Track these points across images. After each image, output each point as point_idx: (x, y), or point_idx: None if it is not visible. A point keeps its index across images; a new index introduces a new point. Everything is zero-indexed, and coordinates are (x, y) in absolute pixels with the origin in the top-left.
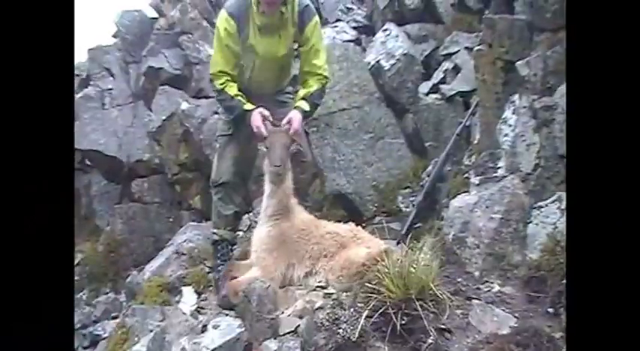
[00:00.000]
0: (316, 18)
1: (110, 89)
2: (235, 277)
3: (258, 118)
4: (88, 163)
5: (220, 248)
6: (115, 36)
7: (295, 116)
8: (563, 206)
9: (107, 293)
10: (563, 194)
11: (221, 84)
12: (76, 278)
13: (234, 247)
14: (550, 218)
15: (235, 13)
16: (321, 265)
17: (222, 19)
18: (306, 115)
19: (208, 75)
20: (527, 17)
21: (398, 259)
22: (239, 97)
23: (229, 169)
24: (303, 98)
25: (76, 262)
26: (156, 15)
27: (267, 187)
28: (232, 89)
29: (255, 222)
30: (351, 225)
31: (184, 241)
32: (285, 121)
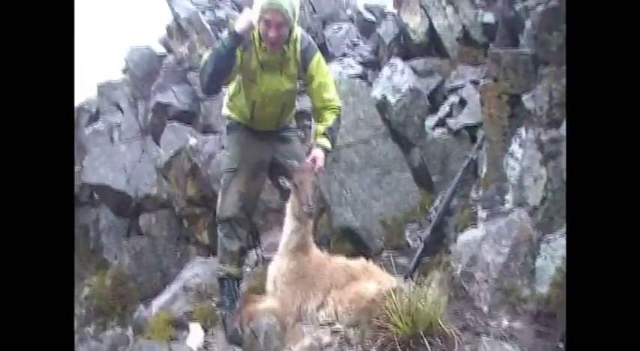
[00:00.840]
0: (318, 54)
1: (119, 124)
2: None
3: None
4: (97, 197)
5: (226, 284)
6: (123, 72)
7: (319, 155)
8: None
9: (114, 327)
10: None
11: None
12: (83, 312)
13: (241, 282)
14: (558, 251)
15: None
16: (332, 296)
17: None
18: (328, 152)
19: (218, 111)
20: (531, 50)
21: (406, 295)
22: None
23: (234, 204)
24: (323, 134)
25: (83, 295)
26: (164, 51)
27: (292, 223)
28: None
29: (263, 257)
30: (362, 259)
31: (192, 276)
32: (309, 159)
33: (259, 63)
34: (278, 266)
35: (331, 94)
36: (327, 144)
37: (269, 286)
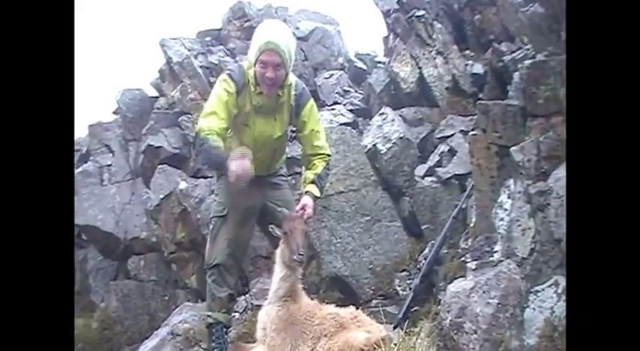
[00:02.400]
0: (311, 101)
1: (109, 165)
2: None
3: (237, 156)
4: (85, 238)
5: (215, 331)
6: (115, 113)
7: (309, 202)
8: (560, 290)
9: None
10: (560, 278)
11: (206, 130)
12: None
13: (230, 329)
14: (547, 303)
15: (236, 79)
16: (321, 345)
17: (222, 80)
18: (316, 199)
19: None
20: (519, 102)
21: (395, 345)
22: (222, 151)
23: (223, 251)
24: (312, 182)
25: None
26: (156, 94)
27: (281, 270)
28: (218, 141)
29: (252, 304)
30: (352, 308)
31: (180, 321)
32: (299, 207)
33: (253, 107)
34: (268, 313)
35: (322, 142)
36: (316, 191)
37: (258, 333)
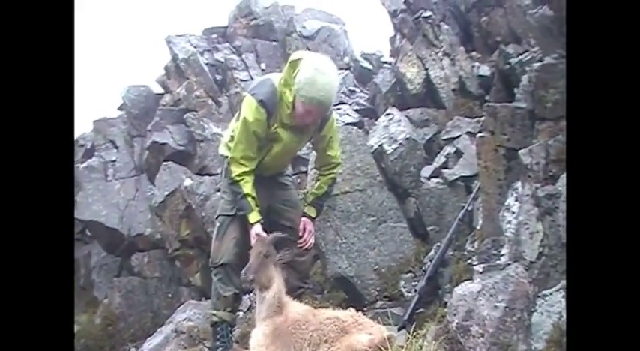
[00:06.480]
0: (333, 114)
1: (114, 161)
2: None
3: (254, 235)
4: (89, 233)
5: (220, 330)
6: (120, 109)
7: (308, 226)
8: None
9: None
10: None
11: (238, 175)
12: None
13: (234, 328)
14: (555, 307)
15: (265, 101)
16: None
17: (253, 108)
18: (313, 219)
19: (214, 152)
20: (527, 105)
21: (402, 347)
22: (249, 199)
23: (230, 250)
24: (311, 203)
25: None
26: (162, 91)
27: (257, 293)
28: (247, 186)
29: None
30: (352, 310)
31: (184, 319)
32: (300, 226)
33: (282, 124)
34: (255, 335)
35: (334, 151)
36: (313, 213)
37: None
